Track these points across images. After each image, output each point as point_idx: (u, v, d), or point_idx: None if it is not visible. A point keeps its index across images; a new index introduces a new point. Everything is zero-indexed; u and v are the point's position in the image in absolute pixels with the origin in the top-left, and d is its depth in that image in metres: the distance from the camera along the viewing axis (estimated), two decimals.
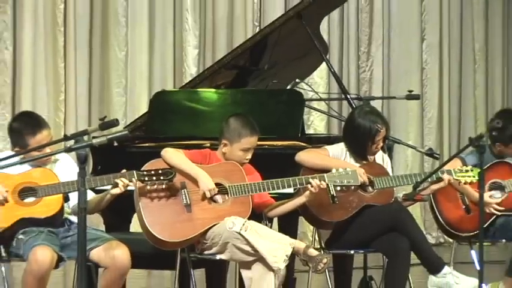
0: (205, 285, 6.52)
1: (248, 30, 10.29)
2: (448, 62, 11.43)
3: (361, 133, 6.46)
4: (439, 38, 11.35)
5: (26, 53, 9.91)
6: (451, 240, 7.08)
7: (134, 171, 5.86)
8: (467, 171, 6.44)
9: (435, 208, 6.87)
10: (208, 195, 5.97)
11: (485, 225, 6.14)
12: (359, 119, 6.54)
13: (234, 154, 6.15)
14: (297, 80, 7.62)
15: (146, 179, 5.87)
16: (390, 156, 6.87)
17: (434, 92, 11.31)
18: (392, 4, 11.19)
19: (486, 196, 6.46)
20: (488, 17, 11.61)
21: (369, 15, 11.13)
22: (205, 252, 6.08)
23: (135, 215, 6.14)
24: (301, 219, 6.70)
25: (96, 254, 5.78)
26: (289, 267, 6.65)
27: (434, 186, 6.51)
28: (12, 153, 5.86)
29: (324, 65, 7.84)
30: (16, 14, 9.88)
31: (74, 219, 5.85)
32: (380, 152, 6.60)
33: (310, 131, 9.36)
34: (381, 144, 6.51)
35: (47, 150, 5.77)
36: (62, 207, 5.90)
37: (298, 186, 6.15)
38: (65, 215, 5.94)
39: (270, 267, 5.90)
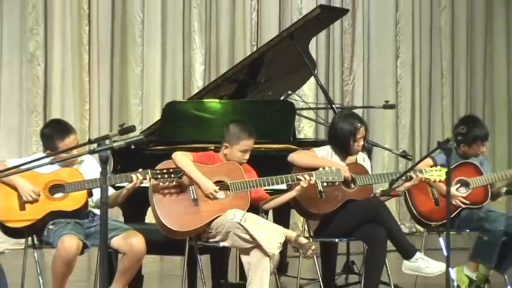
0: (210, 269, 6.49)
1: (247, 49, 10.28)
2: (419, 77, 11.43)
3: (343, 133, 6.46)
4: (412, 56, 11.35)
5: (55, 69, 9.89)
6: (422, 229, 7.08)
7: (149, 170, 5.86)
8: (436, 170, 6.45)
9: (409, 201, 6.86)
10: (211, 197, 6.00)
11: (451, 216, 6.16)
12: (340, 122, 6.55)
13: (234, 155, 6.17)
14: (289, 92, 7.62)
15: (159, 177, 5.87)
16: (369, 158, 6.86)
17: (407, 102, 11.30)
18: (371, 27, 11.18)
19: (453, 191, 6.48)
20: (454, 37, 11.60)
21: (351, 36, 11.12)
22: (210, 240, 6.08)
23: (150, 208, 6.15)
24: (293, 211, 6.68)
25: (116, 241, 5.79)
26: (283, 253, 6.70)
27: (408, 184, 6.52)
28: (44, 155, 5.87)
29: (312, 78, 7.82)
30: (47, 35, 9.87)
31: (97, 211, 5.86)
32: (361, 154, 6.59)
33: (300, 135, 9.37)
34: (362, 142, 6.49)
35: (74, 152, 5.78)
36: (87, 202, 5.90)
37: (290, 182, 6.15)
38: (89, 208, 5.93)
39: (266, 253, 5.90)
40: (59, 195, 5.86)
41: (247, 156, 6.18)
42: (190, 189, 6.04)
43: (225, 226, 5.97)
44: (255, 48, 9.83)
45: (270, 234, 5.95)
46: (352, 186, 6.38)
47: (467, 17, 11.68)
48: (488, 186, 6.85)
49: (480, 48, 11.75)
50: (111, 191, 5.87)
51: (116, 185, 5.97)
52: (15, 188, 5.81)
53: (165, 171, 5.90)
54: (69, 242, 5.69)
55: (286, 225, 6.52)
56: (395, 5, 11.28)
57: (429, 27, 11.49)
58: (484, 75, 11.76)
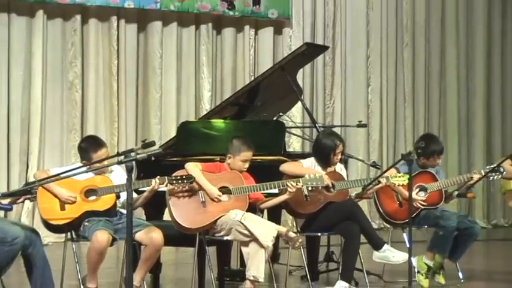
0: (216, 258, 6.46)
1: (246, 78, 10.27)
2: (386, 101, 11.40)
3: (325, 148, 6.47)
4: (380, 84, 11.33)
5: (90, 95, 9.89)
6: (388, 226, 7.06)
7: (166, 177, 5.86)
8: (399, 177, 6.44)
9: (377, 203, 6.85)
10: (216, 200, 5.99)
11: (412, 216, 6.13)
12: (323, 139, 6.56)
13: (236, 164, 6.15)
14: (281, 114, 7.60)
15: (174, 182, 5.85)
16: (346, 167, 6.86)
17: (376, 122, 11.28)
18: (347, 61, 11.15)
19: (414, 195, 6.46)
20: (415, 69, 11.58)
21: (332, 68, 11.09)
22: (216, 234, 6.06)
23: (167, 209, 6.14)
24: (283, 211, 6.67)
25: (139, 235, 5.77)
26: (275, 246, 6.66)
27: (376, 187, 6.53)
28: (81, 165, 5.85)
29: (299, 102, 7.82)
30: (83, 67, 9.87)
31: (123, 211, 5.83)
32: (339, 164, 6.58)
33: (289, 149, 9.33)
34: (339, 156, 6.50)
35: (105, 162, 5.76)
36: (115, 203, 5.88)
37: (282, 187, 6.14)
38: (117, 208, 5.92)
39: (261, 245, 5.89)
40: (92, 198, 5.84)
41: (247, 165, 6.16)
42: (200, 193, 6.03)
43: (228, 223, 5.97)
44: (252, 78, 9.80)
45: (265, 230, 5.95)
46: (332, 190, 6.36)
47: (425, 52, 11.67)
48: (443, 190, 6.84)
49: (436, 77, 11.74)
50: (135, 194, 5.84)
51: (139, 189, 5.95)
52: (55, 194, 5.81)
53: (179, 178, 5.88)
54: (101, 236, 5.68)
55: (278, 222, 6.54)
56: (366, 43, 11.28)
57: (394, 60, 11.48)
58: (439, 100, 11.75)
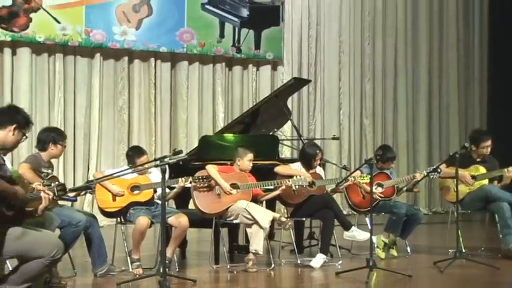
0: (228, 236, 6.46)
1: (250, 103, 10.24)
2: (353, 121, 11.35)
3: (308, 156, 6.48)
4: (348, 108, 11.28)
5: (135, 117, 9.84)
6: (355, 213, 7.05)
7: (191, 177, 5.87)
8: (363, 177, 6.45)
9: (347, 196, 6.85)
10: (228, 193, 6.00)
11: (373, 205, 6.12)
12: (307, 149, 6.57)
13: (244, 164, 6.16)
14: (275, 129, 7.61)
15: (197, 180, 5.87)
16: (324, 169, 6.85)
17: (346, 136, 11.24)
18: (325, 90, 11.10)
19: (374, 190, 6.46)
20: (374, 98, 11.55)
21: (314, 96, 11.05)
22: (227, 219, 6.07)
23: (191, 200, 6.15)
24: (277, 202, 6.66)
25: (170, 220, 5.78)
26: (271, 227, 6.68)
27: (346, 184, 6.52)
28: (128, 167, 5.86)
29: (289, 121, 7.80)
30: (130, 95, 9.84)
31: (159, 202, 5.81)
32: (318, 167, 6.58)
33: (282, 156, 9.29)
34: (319, 161, 6.51)
35: (146, 166, 5.79)
36: (153, 196, 5.89)
37: (276, 185, 6.16)
38: (155, 200, 5.92)
39: (261, 227, 5.91)
40: (136, 192, 5.85)
41: (251, 164, 6.17)
42: (216, 188, 6.04)
43: (237, 210, 5.98)
44: (254, 104, 9.80)
45: (264, 215, 5.97)
46: (313, 186, 6.36)
47: (382, 85, 11.62)
48: (395, 186, 6.83)
49: (390, 103, 11.68)
50: (167, 190, 5.83)
51: (171, 186, 5.95)
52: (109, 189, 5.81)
53: (200, 177, 5.91)
54: (143, 220, 5.69)
55: (273, 209, 6.56)
56: (338, 78, 11.24)
57: (360, 91, 11.44)
58: (393, 120, 11.72)
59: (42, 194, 3.93)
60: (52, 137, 5.47)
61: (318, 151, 6.49)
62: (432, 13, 11.93)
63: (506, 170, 6.64)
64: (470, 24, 12.24)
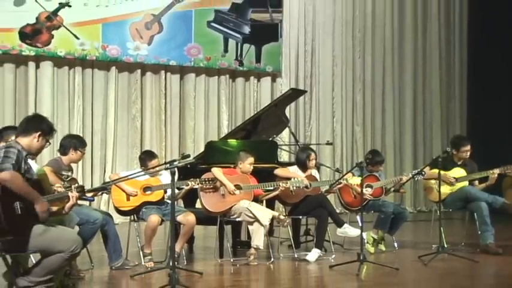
0: (231, 233, 6.47)
1: (251, 112, 10.23)
2: (345, 128, 11.32)
3: (302, 159, 6.47)
4: (341, 117, 11.27)
5: (147, 124, 9.84)
6: (347, 211, 7.03)
7: (198, 179, 5.86)
8: (354, 178, 6.44)
9: (339, 196, 6.83)
10: (232, 193, 5.98)
11: (363, 204, 6.11)
12: (299, 154, 6.57)
13: (245, 167, 6.16)
14: (274, 136, 7.61)
15: (204, 182, 5.87)
16: (318, 172, 6.85)
17: (339, 141, 11.23)
18: (320, 101, 11.11)
19: (364, 190, 6.45)
20: (365, 106, 11.53)
21: (309, 105, 11.05)
22: (231, 217, 6.07)
23: (198, 200, 6.14)
24: (277, 201, 6.65)
25: (179, 218, 5.78)
26: (271, 224, 6.66)
27: (339, 186, 6.51)
28: (140, 170, 5.86)
29: (287, 128, 7.80)
30: (142, 104, 9.86)
31: (169, 201, 5.80)
32: (314, 170, 6.57)
33: (281, 159, 9.28)
34: (313, 162, 6.48)
35: (157, 168, 5.78)
36: (163, 196, 5.88)
37: (276, 186, 6.14)
38: (165, 199, 5.92)
39: (261, 224, 5.91)
40: (148, 192, 5.85)
41: (252, 167, 6.16)
42: (221, 188, 6.03)
43: (239, 209, 5.97)
44: (255, 112, 9.79)
45: (264, 214, 5.96)
46: (309, 187, 6.35)
47: (371, 96, 11.60)
48: (383, 187, 6.82)
49: (379, 113, 11.65)
50: (177, 190, 5.83)
51: (180, 187, 5.93)
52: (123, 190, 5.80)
53: (207, 179, 5.90)
54: (154, 218, 5.69)
55: (272, 208, 6.56)
56: (332, 88, 11.22)
57: (351, 101, 11.43)
58: (381, 127, 11.71)
59: (69, 193, 3.98)
60: (74, 143, 5.47)
61: (310, 152, 6.49)
62: (417, 33, 11.92)
63: (491, 171, 6.62)
64: (452, 43, 12.24)
